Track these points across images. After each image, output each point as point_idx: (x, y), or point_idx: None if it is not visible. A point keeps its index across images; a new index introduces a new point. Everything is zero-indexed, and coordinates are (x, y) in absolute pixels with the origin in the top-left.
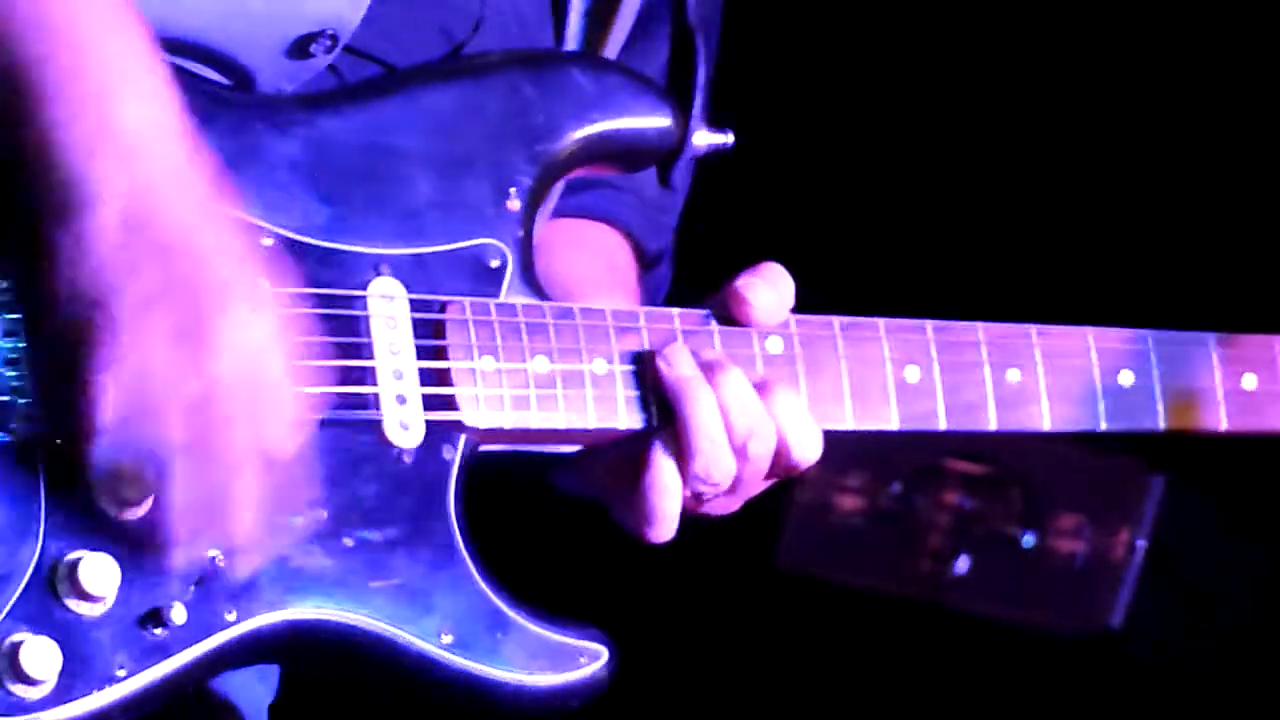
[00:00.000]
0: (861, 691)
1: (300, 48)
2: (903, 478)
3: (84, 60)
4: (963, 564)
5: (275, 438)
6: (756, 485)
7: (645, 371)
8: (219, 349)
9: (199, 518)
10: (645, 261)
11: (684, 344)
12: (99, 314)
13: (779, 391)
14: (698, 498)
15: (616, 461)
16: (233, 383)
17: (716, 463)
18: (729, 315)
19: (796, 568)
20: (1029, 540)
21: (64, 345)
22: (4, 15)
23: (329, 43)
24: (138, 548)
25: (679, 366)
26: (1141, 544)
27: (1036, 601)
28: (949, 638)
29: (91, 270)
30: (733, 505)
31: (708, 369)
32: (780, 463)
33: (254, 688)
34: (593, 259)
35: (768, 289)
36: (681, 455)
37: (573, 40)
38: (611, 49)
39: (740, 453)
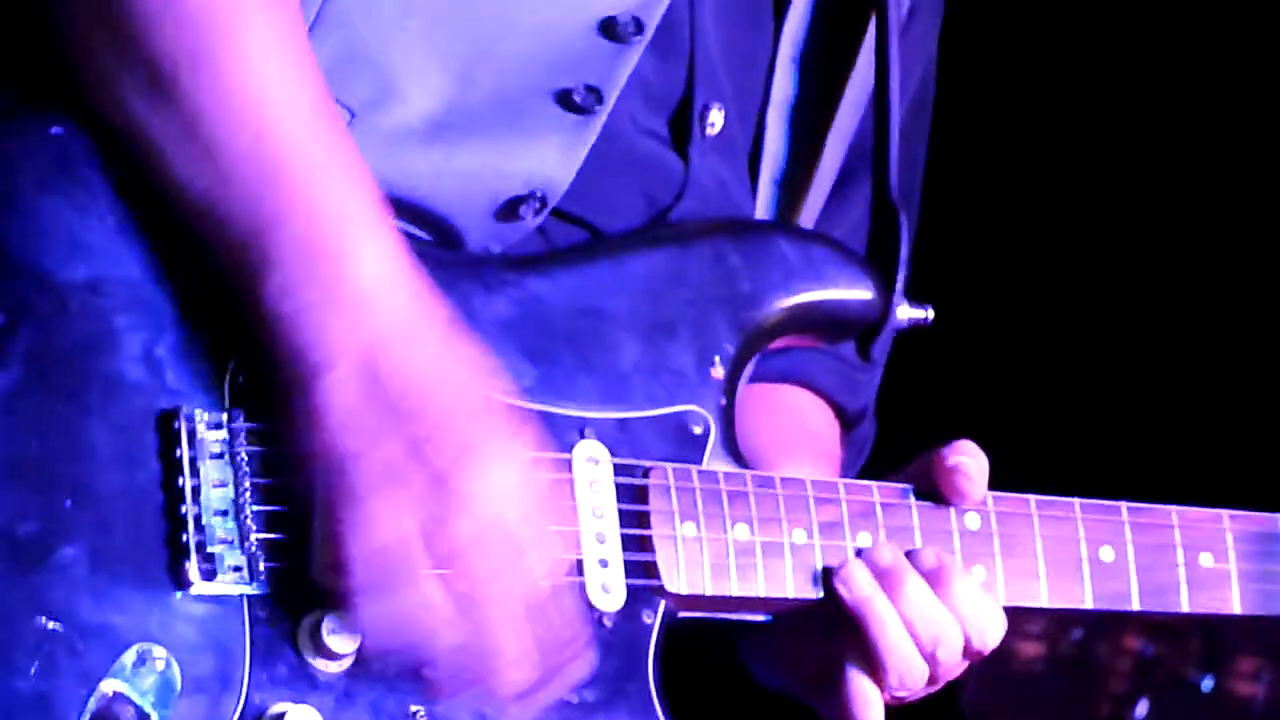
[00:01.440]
0: None
1: (510, 209)
2: (1084, 623)
3: (317, 220)
4: (1142, 709)
5: (532, 588)
6: (952, 674)
7: (826, 587)
8: (468, 508)
9: (450, 671)
10: (846, 421)
11: (857, 560)
12: (343, 478)
13: (956, 583)
14: (897, 697)
15: (813, 659)
16: (486, 539)
17: (909, 673)
18: (932, 487)
19: (980, 714)
20: (1208, 684)
21: (303, 510)
22: (240, 177)
23: (538, 205)
24: (344, 700)
25: (857, 588)
26: None
27: None
28: None
29: (332, 436)
30: (932, 691)
31: (885, 578)
32: (970, 649)
33: None
34: (789, 424)
35: (974, 463)
36: (874, 669)
37: (764, 208)
38: (805, 218)
39: (931, 659)
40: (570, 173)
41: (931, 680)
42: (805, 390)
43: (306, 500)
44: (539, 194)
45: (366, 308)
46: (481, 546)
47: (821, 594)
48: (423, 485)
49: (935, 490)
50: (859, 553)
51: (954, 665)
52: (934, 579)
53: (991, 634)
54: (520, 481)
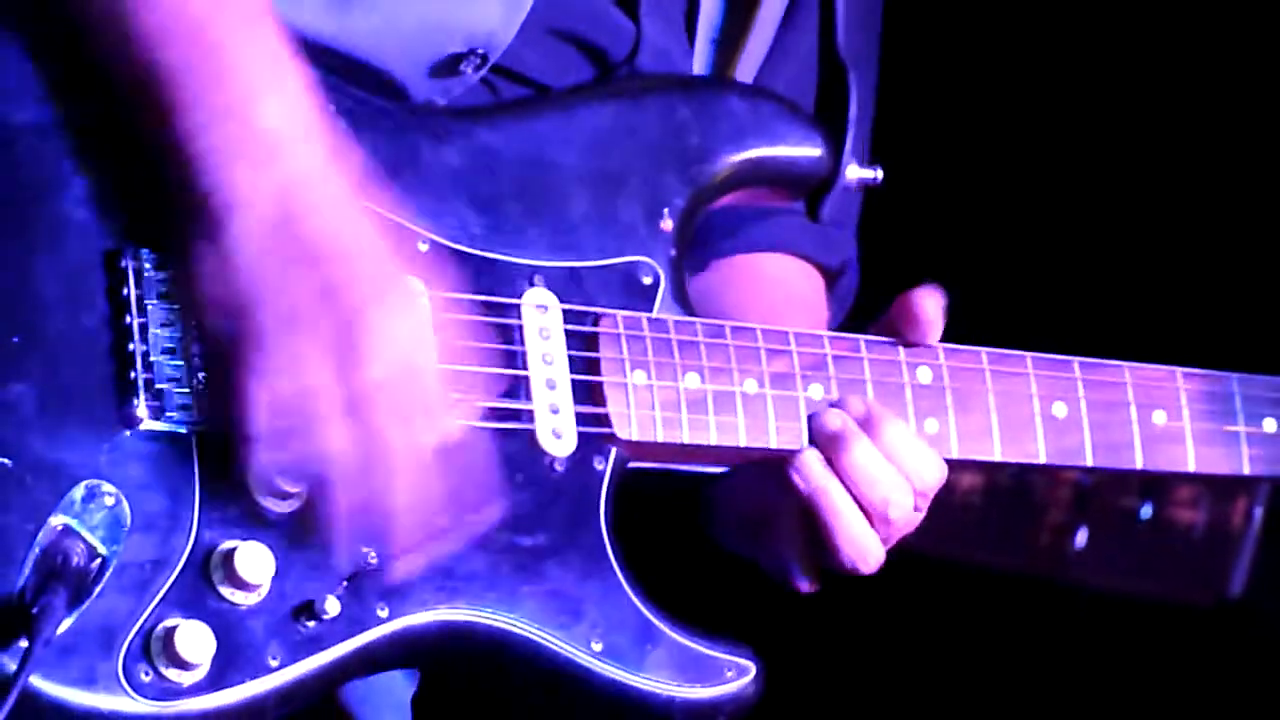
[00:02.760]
0: (983, 667)
1: (451, 65)
2: None
3: (223, 65)
4: (1081, 537)
5: (432, 436)
6: (903, 532)
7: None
8: (371, 352)
9: (356, 518)
10: (829, 277)
11: (812, 449)
12: (248, 324)
13: (887, 428)
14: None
15: (767, 518)
16: (387, 384)
17: (864, 556)
18: (895, 328)
19: (917, 546)
20: (1147, 511)
21: (218, 350)
22: (141, 21)
23: (478, 60)
24: (293, 539)
25: (812, 479)
26: (1259, 511)
27: (1155, 572)
28: (1069, 611)
29: (237, 280)
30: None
31: (834, 445)
32: (917, 504)
33: (396, 679)
34: (776, 293)
35: (930, 301)
36: (828, 550)
37: (700, 69)
38: (742, 72)
39: (884, 521)
40: (511, 30)
41: (889, 537)
42: (786, 256)
43: (216, 343)
44: (479, 50)
45: (276, 152)
46: (388, 392)
47: (774, 445)
48: (330, 330)
49: (896, 330)
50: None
51: (905, 522)
52: (866, 424)
53: (930, 477)
54: (424, 333)
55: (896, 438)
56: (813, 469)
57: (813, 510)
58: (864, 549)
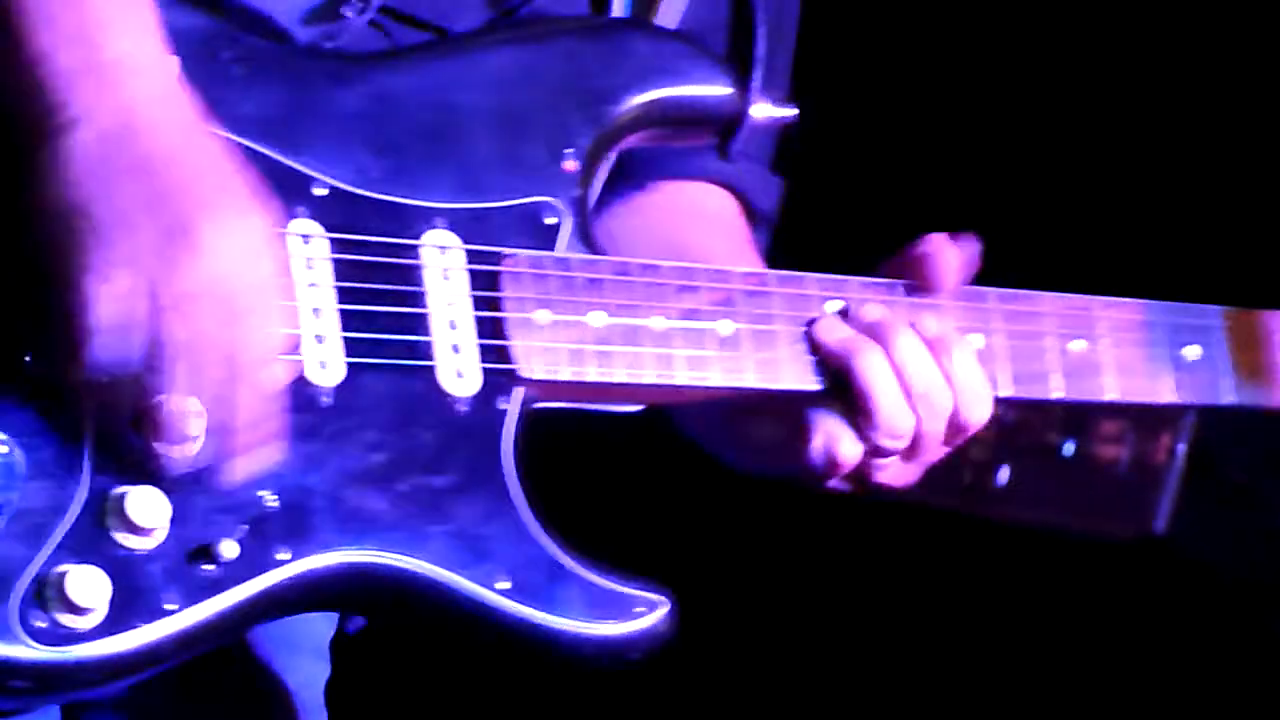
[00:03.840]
0: (906, 606)
1: (330, 8)
2: None
3: None
4: (1004, 474)
5: (262, 344)
6: (934, 449)
7: (812, 337)
8: (203, 252)
9: (226, 409)
10: (754, 220)
11: (833, 314)
12: (82, 222)
13: (955, 349)
14: (876, 456)
15: (773, 423)
16: (219, 284)
17: (898, 423)
18: (914, 277)
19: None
20: (1069, 448)
21: (52, 258)
22: None
23: (360, 4)
24: (186, 482)
25: (839, 333)
26: (1181, 447)
27: (1079, 508)
28: (993, 548)
29: (73, 182)
30: (910, 475)
31: (874, 330)
32: (956, 419)
33: (311, 666)
34: (715, 227)
35: (945, 253)
36: (859, 417)
37: (619, 8)
38: (663, 20)
39: (918, 408)
40: None
41: (914, 446)
42: (716, 187)
43: (50, 251)
44: None
45: (121, 75)
46: (207, 299)
47: (682, 381)
48: (160, 228)
49: (900, 273)
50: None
51: (940, 427)
52: (933, 345)
53: (979, 410)
54: (257, 249)
55: (940, 332)
56: (839, 327)
57: (846, 366)
58: (897, 410)
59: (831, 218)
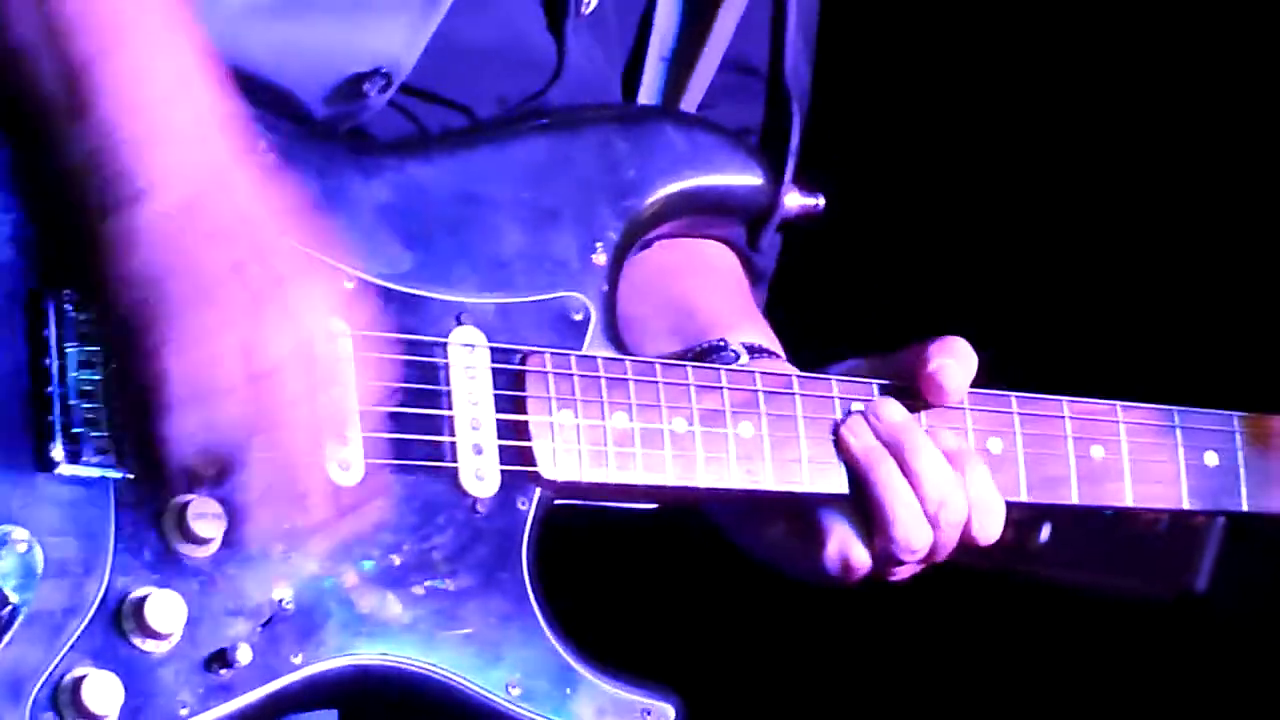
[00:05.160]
0: (952, 665)
1: (352, 87)
2: None
3: (141, 60)
4: (1045, 532)
5: (337, 419)
6: (945, 551)
7: (833, 441)
8: (293, 314)
9: (273, 501)
10: (754, 280)
11: (859, 415)
12: (157, 296)
13: (970, 464)
14: (887, 561)
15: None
16: (295, 360)
17: (914, 534)
18: (910, 378)
19: None
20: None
21: (126, 335)
22: (58, 11)
23: (383, 82)
24: (202, 586)
25: (865, 437)
26: None
27: (1120, 567)
28: (1034, 607)
29: (145, 256)
30: (920, 571)
31: (893, 438)
32: (969, 530)
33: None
34: (716, 281)
35: (958, 367)
36: (874, 527)
37: (650, 86)
38: (692, 97)
39: (934, 521)
40: (416, 50)
41: (928, 556)
42: (716, 242)
43: (119, 328)
44: (383, 70)
45: (187, 147)
46: (289, 368)
47: (702, 483)
48: (244, 299)
49: (913, 382)
50: (863, 412)
51: (951, 538)
52: (952, 457)
53: (993, 525)
54: (333, 313)
55: (958, 446)
56: (865, 431)
57: (863, 478)
58: (913, 521)
59: (830, 270)
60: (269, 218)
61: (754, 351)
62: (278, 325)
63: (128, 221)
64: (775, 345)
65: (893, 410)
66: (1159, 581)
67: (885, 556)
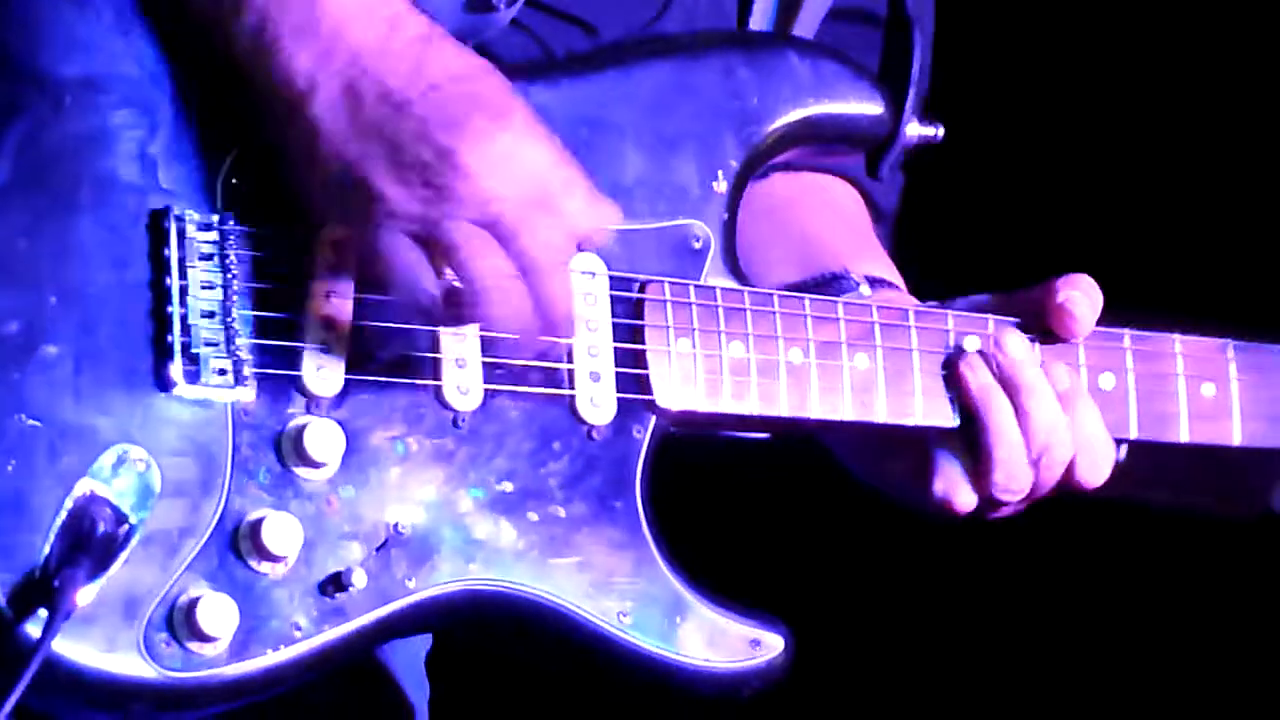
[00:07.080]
0: (1032, 584)
1: (482, 1)
2: None
3: None
4: (1122, 451)
5: (583, 221)
6: (1044, 491)
7: (947, 375)
8: (472, 174)
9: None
10: (876, 215)
11: (978, 353)
12: (358, 182)
13: (1081, 407)
14: (989, 503)
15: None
16: (515, 196)
17: (1016, 473)
18: (1038, 316)
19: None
20: None
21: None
22: None
23: None
24: (323, 509)
25: (983, 375)
26: None
27: (1197, 488)
28: (1114, 527)
29: (333, 147)
30: (1016, 510)
31: (1008, 374)
32: (1073, 472)
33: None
34: (840, 219)
35: (1085, 301)
36: (979, 464)
37: (760, 20)
38: (801, 32)
39: (1035, 464)
40: None
41: (1026, 498)
42: (841, 180)
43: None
44: None
45: (336, 36)
46: (510, 204)
47: (816, 414)
48: (424, 172)
49: (1041, 320)
50: (981, 349)
51: (1052, 478)
52: (1063, 398)
53: (1099, 468)
54: (526, 144)
55: (1070, 385)
56: (984, 368)
57: (976, 412)
58: (1018, 472)
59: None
60: (424, 87)
61: (874, 283)
62: (462, 188)
63: (301, 125)
64: (896, 278)
65: (1015, 342)
66: (1240, 500)
67: (987, 497)
